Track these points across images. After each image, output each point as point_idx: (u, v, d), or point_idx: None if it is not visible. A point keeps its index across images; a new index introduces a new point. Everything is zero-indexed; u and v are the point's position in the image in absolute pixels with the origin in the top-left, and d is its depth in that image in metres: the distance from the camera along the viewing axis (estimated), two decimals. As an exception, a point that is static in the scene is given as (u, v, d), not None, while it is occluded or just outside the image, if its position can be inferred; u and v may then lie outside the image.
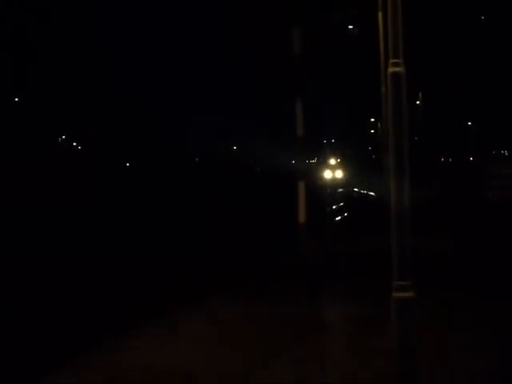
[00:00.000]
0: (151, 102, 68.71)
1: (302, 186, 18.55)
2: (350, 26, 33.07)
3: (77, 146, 74.88)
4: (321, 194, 35.57)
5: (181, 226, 23.94)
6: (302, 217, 18.30)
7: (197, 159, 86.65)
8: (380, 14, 23.97)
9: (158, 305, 11.64)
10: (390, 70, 5.84)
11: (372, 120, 65.67)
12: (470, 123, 62.23)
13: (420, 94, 53.65)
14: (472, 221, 22.99)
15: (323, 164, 45.90)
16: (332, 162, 37.29)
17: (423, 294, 6.26)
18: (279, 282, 13.96)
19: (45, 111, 57.19)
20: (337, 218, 25.43)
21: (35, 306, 11.99)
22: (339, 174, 38.64)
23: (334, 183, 39.61)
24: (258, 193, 41.45)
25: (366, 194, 45.13)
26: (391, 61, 5.84)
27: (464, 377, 7.54)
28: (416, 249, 6.00)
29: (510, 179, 13.72)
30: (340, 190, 41.43)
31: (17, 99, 57.30)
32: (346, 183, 43.62)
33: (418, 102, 53.91)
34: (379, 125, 47.15)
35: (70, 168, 49.87)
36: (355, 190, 45.54)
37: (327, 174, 36.97)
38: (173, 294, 12.63)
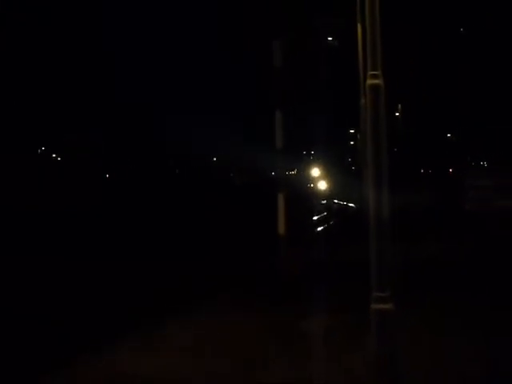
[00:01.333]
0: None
1: (281, 197, 18.55)
2: (330, 38, 33.23)
3: (56, 157, 74.54)
4: (302, 205, 35.58)
5: (161, 239, 23.87)
6: (281, 228, 18.29)
7: (177, 171, 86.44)
8: (359, 26, 24.10)
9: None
10: (369, 81, 5.87)
11: (351, 131, 65.92)
12: (449, 135, 62.59)
13: (399, 106, 53.90)
14: (450, 232, 23.14)
15: (304, 175, 45.96)
16: (317, 172, 37.28)
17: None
18: (256, 294, 13.99)
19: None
20: (319, 229, 25.44)
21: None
22: (322, 185, 38.70)
23: (319, 194, 39.68)
24: (238, 204, 41.43)
25: (346, 205, 45.20)
26: (370, 73, 5.87)
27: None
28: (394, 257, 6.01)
29: (487, 190, 13.79)
30: (323, 201, 41.47)
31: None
32: (327, 194, 43.69)
33: (397, 114, 54.15)
34: (358, 136, 47.31)
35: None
36: (334, 201, 45.59)
37: (313, 185, 37.07)
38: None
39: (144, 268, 16.78)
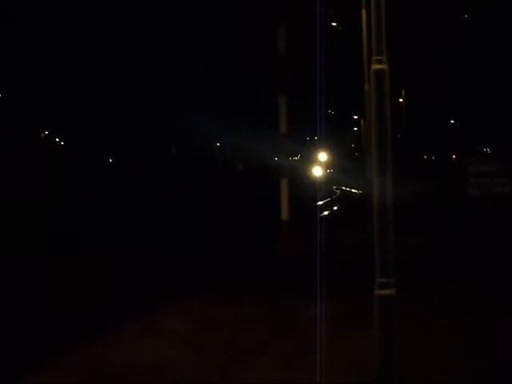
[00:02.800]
0: (135, 99, 68.24)
1: (284, 183, 18.57)
2: (334, 24, 33.14)
3: (59, 141, 74.60)
4: (306, 190, 35.63)
5: (163, 225, 23.91)
6: (284, 214, 18.33)
7: (179, 154, 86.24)
8: (364, 12, 24.02)
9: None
10: (373, 67, 5.84)
11: (355, 117, 65.81)
12: (452, 121, 62.47)
13: (403, 92, 53.78)
14: (451, 218, 23.17)
15: (309, 161, 45.89)
16: (322, 158, 37.21)
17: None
18: (258, 279, 14.02)
19: (26, 107, 56.90)
20: (324, 213, 25.49)
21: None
22: (332, 170, 38.71)
23: (322, 180, 39.66)
24: (241, 190, 41.45)
25: (350, 191, 45.24)
26: (374, 58, 5.84)
27: (449, 372, 7.60)
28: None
29: (489, 177, 13.82)
30: (326, 186, 41.48)
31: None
32: (331, 180, 43.67)
33: (401, 100, 54.04)
34: (362, 122, 47.23)
35: (53, 164, 49.65)
36: (334, 187, 45.63)
37: (317, 171, 37.00)
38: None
39: (144, 256, 16.74)
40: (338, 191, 42.85)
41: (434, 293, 11.88)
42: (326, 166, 38.57)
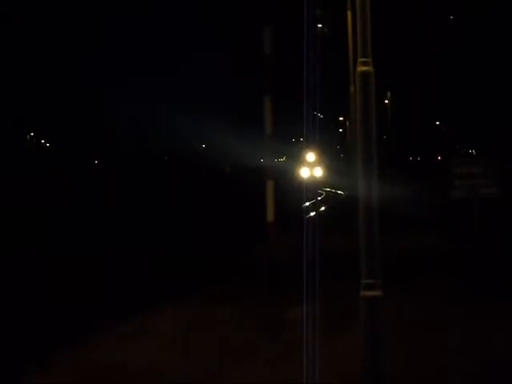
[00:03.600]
0: (117, 99, 68.08)
1: (270, 184, 18.56)
2: (319, 25, 33.14)
3: (45, 143, 74.36)
4: (293, 191, 35.62)
5: (148, 228, 23.82)
6: (270, 216, 18.31)
7: (166, 158, 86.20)
8: (349, 13, 24.06)
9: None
10: (359, 69, 5.85)
11: (341, 119, 65.93)
12: (438, 122, 62.70)
13: (389, 94, 53.93)
14: (436, 220, 23.26)
15: (295, 162, 45.80)
16: (310, 158, 37.11)
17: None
18: (244, 282, 14.02)
19: (12, 108, 56.71)
20: (311, 214, 25.46)
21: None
22: (318, 172, 38.54)
23: (310, 181, 39.59)
24: (228, 192, 41.41)
25: (335, 192, 45.24)
26: (360, 60, 5.85)
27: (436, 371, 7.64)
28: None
29: (475, 178, 13.85)
30: (312, 187, 41.39)
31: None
32: (318, 181, 43.59)
33: (386, 102, 54.19)
34: (348, 123, 47.30)
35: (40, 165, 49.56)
36: (324, 188, 45.58)
37: (304, 172, 36.88)
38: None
39: (127, 258, 16.70)
40: (325, 192, 42.80)
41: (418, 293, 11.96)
42: (314, 167, 38.42)
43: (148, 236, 21.13)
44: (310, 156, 35.82)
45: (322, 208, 31.68)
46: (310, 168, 37.69)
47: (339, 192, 44.13)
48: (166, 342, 9.23)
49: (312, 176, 38.56)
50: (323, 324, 9.50)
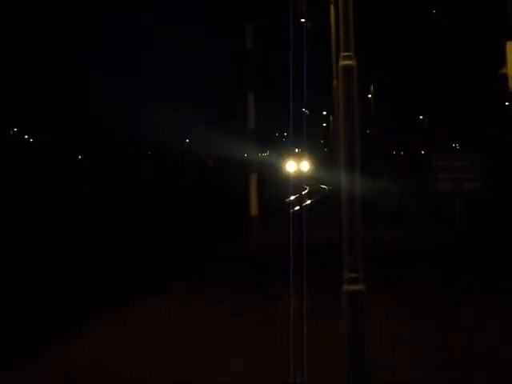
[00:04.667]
0: (102, 94, 67.79)
1: (253, 178, 18.59)
2: (302, 20, 33.14)
3: (28, 138, 74.06)
4: (276, 186, 35.65)
5: (129, 223, 23.74)
6: (253, 210, 18.36)
7: (149, 153, 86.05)
8: (332, 8, 24.09)
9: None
10: (342, 63, 5.85)
11: (324, 113, 66.05)
12: (421, 117, 62.90)
13: (372, 88, 54.02)
14: (420, 214, 23.38)
15: (278, 157, 45.87)
16: (296, 152, 37.10)
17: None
18: (229, 276, 14.02)
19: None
20: (295, 208, 25.49)
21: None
22: (305, 166, 38.46)
23: (296, 175, 39.55)
24: (211, 186, 41.41)
25: (319, 186, 45.28)
26: (342, 54, 5.85)
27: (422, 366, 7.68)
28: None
29: (458, 172, 13.91)
30: (297, 181, 41.43)
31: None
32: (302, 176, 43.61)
33: (369, 96, 54.28)
34: (331, 118, 47.36)
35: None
36: (308, 183, 45.66)
37: (290, 166, 36.82)
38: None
39: (111, 253, 16.65)
40: (309, 186, 42.81)
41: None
42: (300, 161, 38.35)
43: (128, 232, 21.03)
44: (297, 150, 35.79)
45: (307, 202, 31.69)
46: (296, 162, 37.64)
47: (322, 186, 44.21)
48: (151, 337, 9.23)
49: (298, 170, 38.51)
50: (308, 318, 9.54)
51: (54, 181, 41.27)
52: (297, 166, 38.76)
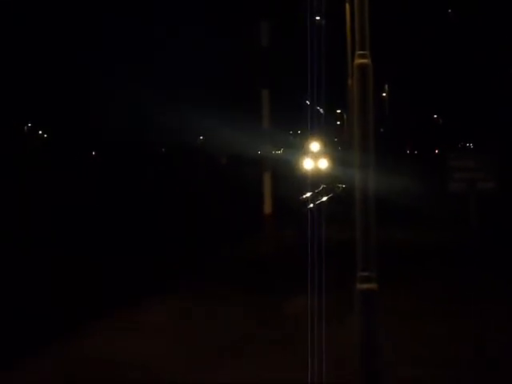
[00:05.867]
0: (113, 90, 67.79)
1: (267, 176, 18.55)
2: (317, 18, 33.10)
3: (43, 134, 74.20)
4: (291, 183, 35.50)
5: (143, 221, 23.65)
6: (267, 208, 18.31)
7: (163, 150, 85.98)
8: (347, 6, 24.06)
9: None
10: (357, 61, 5.84)
11: (338, 111, 65.87)
12: (435, 116, 62.66)
13: (386, 87, 53.90)
14: (434, 213, 23.28)
15: (295, 154, 45.60)
16: (315, 149, 36.80)
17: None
18: (241, 273, 14.00)
19: (10, 98, 56.58)
20: (307, 207, 25.42)
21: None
22: (323, 164, 38.14)
23: (314, 173, 39.32)
24: (225, 184, 41.35)
25: (333, 184, 45.08)
26: (358, 52, 5.84)
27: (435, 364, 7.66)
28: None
29: (472, 172, 13.84)
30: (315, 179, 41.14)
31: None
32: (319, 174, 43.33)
33: (384, 94, 54.17)
34: (345, 116, 47.31)
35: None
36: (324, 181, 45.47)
37: (307, 164, 36.58)
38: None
39: (125, 252, 16.60)
40: (326, 184, 42.59)
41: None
42: (318, 158, 37.99)
43: (136, 231, 20.93)
44: (315, 146, 35.22)
45: (323, 199, 31.55)
46: (314, 159, 37.37)
47: (339, 185, 44.00)
48: (156, 336, 9.22)
49: (316, 168, 38.28)
50: (322, 317, 9.52)
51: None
52: (314, 163, 38.44)
